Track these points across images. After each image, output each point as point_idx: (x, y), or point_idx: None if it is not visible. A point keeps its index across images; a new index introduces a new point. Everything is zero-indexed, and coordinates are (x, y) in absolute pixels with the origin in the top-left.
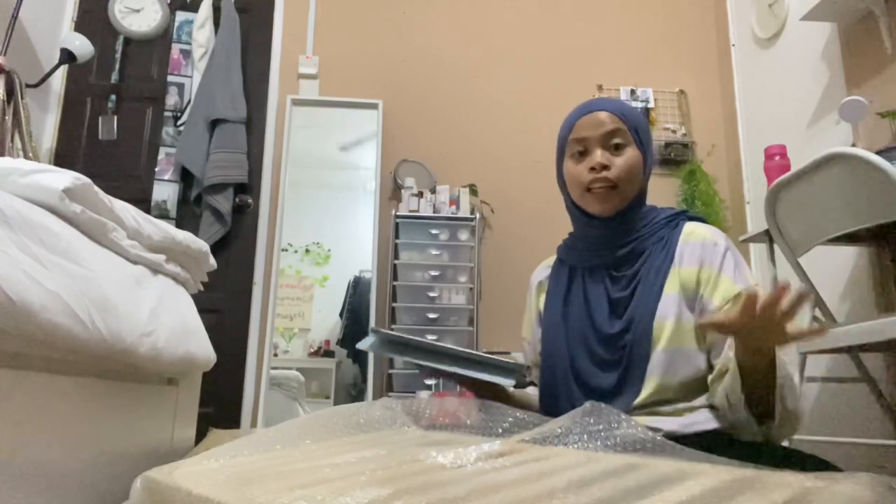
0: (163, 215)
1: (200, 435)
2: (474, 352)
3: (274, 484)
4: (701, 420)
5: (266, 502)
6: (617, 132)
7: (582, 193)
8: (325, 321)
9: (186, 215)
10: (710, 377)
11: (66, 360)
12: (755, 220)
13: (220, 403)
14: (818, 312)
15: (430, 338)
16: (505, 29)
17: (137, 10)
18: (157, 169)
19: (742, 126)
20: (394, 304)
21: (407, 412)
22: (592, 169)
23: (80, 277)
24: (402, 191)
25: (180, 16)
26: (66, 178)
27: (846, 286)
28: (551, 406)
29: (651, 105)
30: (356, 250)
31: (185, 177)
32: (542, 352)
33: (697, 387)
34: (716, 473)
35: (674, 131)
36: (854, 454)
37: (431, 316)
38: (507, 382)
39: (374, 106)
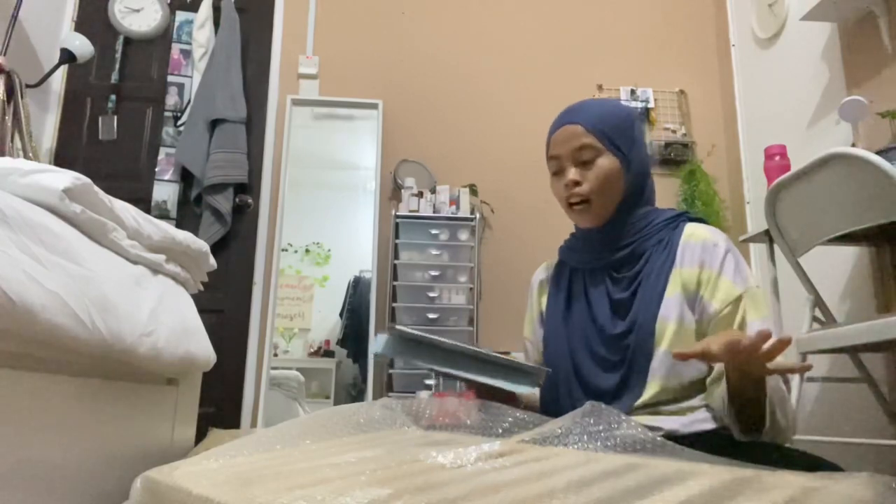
0: (163, 215)
1: (200, 435)
2: (494, 353)
3: (274, 484)
4: (701, 419)
5: (266, 502)
6: (585, 147)
7: (565, 209)
8: (325, 321)
9: (186, 215)
10: (708, 378)
11: (66, 360)
12: (755, 220)
13: (220, 403)
14: (818, 312)
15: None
16: (505, 29)
17: (137, 10)
18: (157, 169)
19: (742, 126)
20: (394, 304)
21: (407, 412)
22: (566, 186)
23: (80, 277)
24: (402, 191)
25: (180, 16)
26: (66, 178)
27: (846, 286)
28: (552, 406)
29: (651, 105)
30: (356, 250)
31: (185, 177)
32: (543, 352)
33: (699, 387)
34: (716, 473)
35: (674, 131)
36: (854, 454)
37: (431, 316)
38: (526, 389)
39: (374, 106)
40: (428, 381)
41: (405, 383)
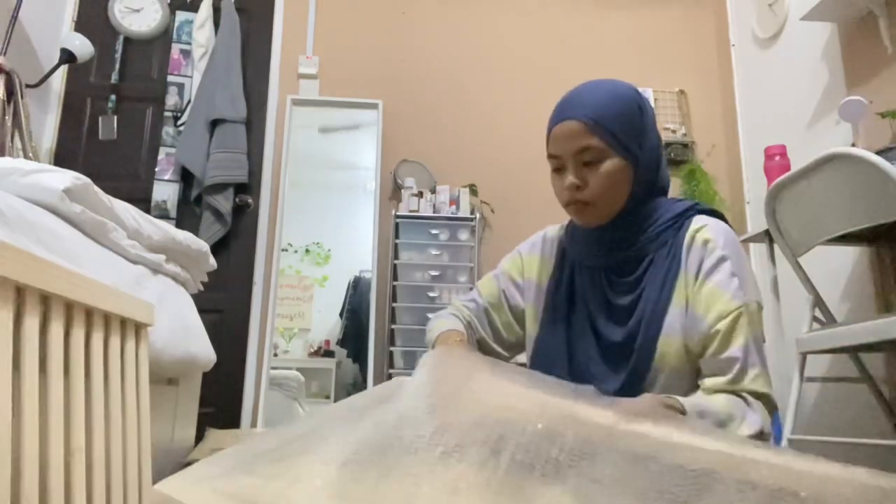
0: (163, 215)
1: (201, 435)
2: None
3: None
4: None
5: None
6: (587, 149)
7: (564, 208)
8: (325, 321)
9: (186, 215)
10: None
11: None
12: (755, 220)
13: (220, 403)
14: (818, 312)
15: None
16: (505, 29)
17: (137, 10)
18: (157, 169)
19: (742, 126)
20: (394, 304)
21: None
22: (567, 189)
23: None
24: (402, 191)
25: (180, 16)
26: (66, 178)
27: (846, 286)
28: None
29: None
30: (356, 250)
31: (185, 177)
32: (535, 346)
33: None
34: None
35: (674, 131)
36: (854, 454)
37: (431, 316)
38: None
39: (374, 106)
40: None
41: None
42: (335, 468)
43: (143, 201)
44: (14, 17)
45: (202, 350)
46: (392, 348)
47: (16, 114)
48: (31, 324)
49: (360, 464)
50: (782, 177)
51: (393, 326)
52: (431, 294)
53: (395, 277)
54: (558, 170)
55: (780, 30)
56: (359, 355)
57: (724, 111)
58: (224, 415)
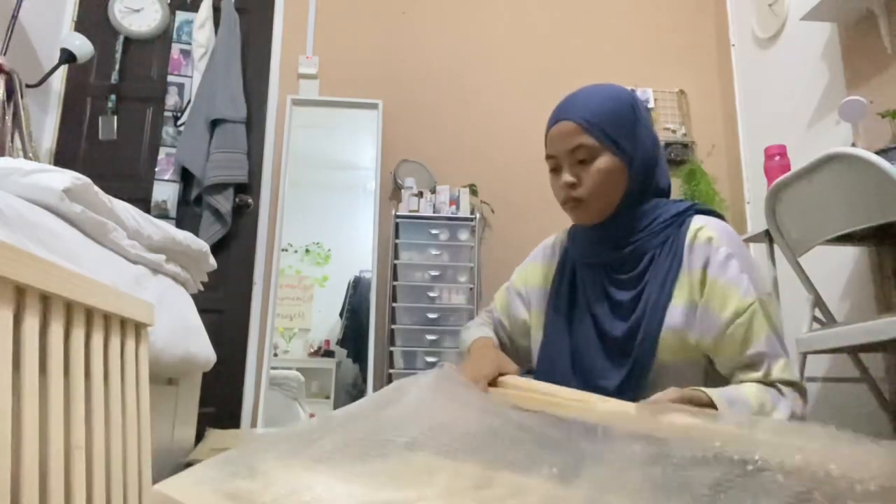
0: (163, 215)
1: (201, 435)
2: None
3: None
4: None
5: None
6: (581, 147)
7: (561, 206)
8: (325, 321)
9: (186, 215)
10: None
11: None
12: (755, 220)
13: (220, 403)
14: (818, 312)
15: (430, 338)
16: (505, 29)
17: (137, 10)
18: (157, 169)
19: (742, 126)
20: (394, 304)
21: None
22: (562, 187)
23: None
24: (402, 191)
25: (180, 16)
26: (66, 178)
27: (846, 286)
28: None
29: (651, 105)
30: (356, 250)
31: (185, 177)
32: (541, 345)
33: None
34: None
35: (674, 131)
36: None
37: (431, 316)
38: None
39: (374, 106)
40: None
41: None
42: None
43: (143, 201)
44: (14, 17)
45: (202, 350)
46: (392, 348)
47: (16, 114)
48: (31, 324)
49: (358, 464)
50: (782, 177)
51: (393, 326)
52: (431, 294)
53: (395, 277)
54: (555, 170)
55: (780, 30)
56: (359, 355)
57: (724, 111)
58: (224, 415)
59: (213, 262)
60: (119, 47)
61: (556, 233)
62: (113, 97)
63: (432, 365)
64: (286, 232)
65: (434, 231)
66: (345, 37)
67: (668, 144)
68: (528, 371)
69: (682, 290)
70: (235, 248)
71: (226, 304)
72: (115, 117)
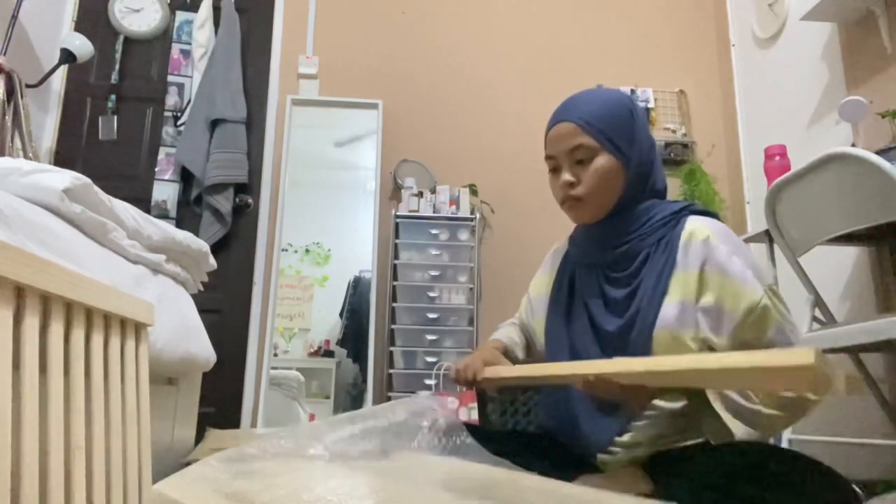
0: (163, 215)
1: (201, 435)
2: None
3: None
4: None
5: None
6: (579, 147)
7: (560, 206)
8: (325, 321)
9: (186, 215)
10: None
11: None
12: (755, 220)
13: (220, 403)
14: (818, 312)
15: (430, 338)
16: (505, 28)
17: (137, 10)
18: (157, 169)
19: (742, 126)
20: (394, 304)
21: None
22: (562, 186)
23: None
24: (402, 191)
25: (180, 16)
26: (66, 178)
27: (846, 286)
28: (552, 404)
29: (651, 105)
30: (356, 250)
31: (185, 177)
32: (545, 345)
33: (696, 391)
34: None
35: (674, 131)
36: (854, 454)
37: (431, 316)
38: None
39: (374, 106)
40: (428, 381)
41: (405, 383)
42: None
43: (143, 201)
44: (14, 17)
45: (202, 350)
46: (392, 348)
47: (16, 114)
48: (31, 324)
49: (359, 463)
50: (782, 177)
51: (393, 326)
52: (431, 294)
53: (395, 277)
54: (555, 170)
55: (780, 30)
56: (359, 355)
57: (724, 111)
58: (224, 415)
59: (213, 262)
60: (119, 47)
61: (556, 234)
62: (113, 97)
63: (432, 365)
64: (286, 232)
65: (434, 231)
66: (345, 37)
67: (668, 144)
68: None
69: (677, 288)
70: (235, 248)
71: (226, 304)
72: (115, 117)
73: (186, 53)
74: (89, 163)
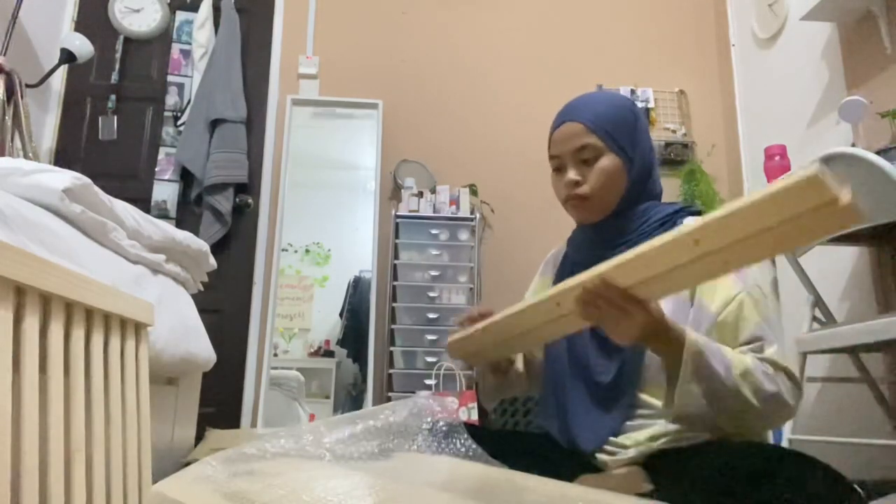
0: (163, 215)
1: (201, 435)
2: None
3: None
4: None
5: None
6: (585, 147)
7: (563, 205)
8: (325, 321)
9: (186, 215)
10: None
11: None
12: None
13: (220, 403)
14: (818, 312)
15: (430, 338)
16: (505, 28)
17: (137, 10)
18: (157, 169)
19: (742, 126)
20: (394, 304)
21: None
22: (566, 185)
23: None
24: (402, 191)
25: (180, 16)
26: (66, 178)
27: (846, 286)
28: (550, 402)
29: (651, 105)
30: (356, 250)
31: (185, 177)
32: (545, 348)
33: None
34: None
35: (674, 131)
36: (854, 454)
37: (431, 316)
38: None
39: (374, 106)
40: (428, 381)
41: (405, 383)
42: (333, 469)
43: (143, 201)
44: (14, 17)
45: (202, 350)
46: (392, 348)
47: (16, 114)
48: (31, 324)
49: (360, 463)
50: (782, 176)
51: (393, 326)
52: (431, 294)
53: (395, 277)
54: (558, 169)
55: (780, 30)
56: (359, 355)
57: (724, 111)
58: (224, 415)
59: (213, 262)
60: (119, 47)
61: (557, 234)
62: (113, 97)
63: (432, 365)
64: (286, 232)
65: (434, 231)
66: (345, 37)
67: (668, 144)
68: None
69: None
70: (235, 248)
71: (226, 304)
72: (115, 117)
73: (186, 53)
74: (89, 163)
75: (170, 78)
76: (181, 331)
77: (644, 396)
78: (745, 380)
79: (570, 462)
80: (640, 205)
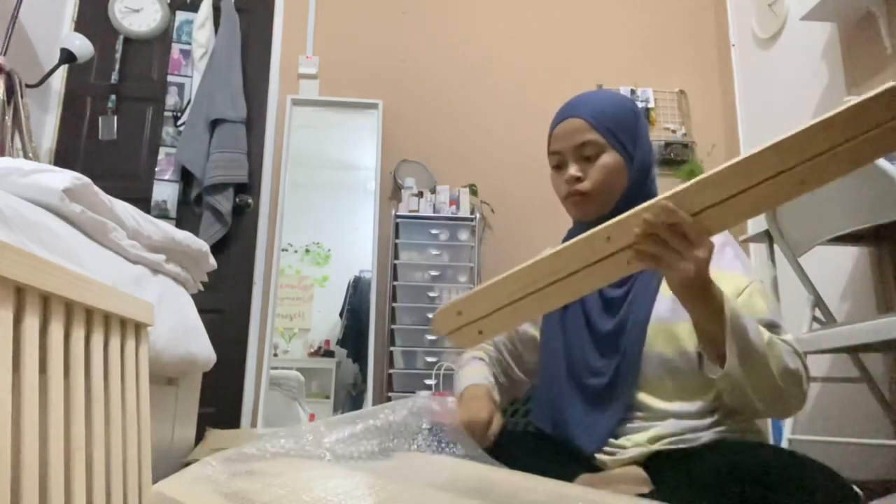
0: (163, 215)
1: (201, 435)
2: None
3: None
4: (692, 427)
5: None
6: (588, 144)
7: (563, 201)
8: (325, 321)
9: (186, 215)
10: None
11: None
12: (755, 220)
13: (220, 403)
14: (818, 312)
15: (430, 338)
16: (505, 29)
17: (137, 10)
18: (157, 169)
19: (742, 126)
20: (394, 304)
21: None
22: (567, 181)
23: None
24: (402, 191)
25: (180, 16)
26: (66, 178)
27: (846, 286)
28: (547, 405)
29: (651, 105)
30: (356, 250)
31: (185, 177)
32: (541, 348)
33: (692, 389)
34: None
35: (674, 131)
36: (854, 454)
37: (431, 316)
38: None
39: (374, 106)
40: (428, 381)
41: (405, 383)
42: (333, 469)
43: (143, 201)
44: (14, 17)
45: (202, 350)
46: (392, 348)
47: (16, 114)
48: (31, 324)
49: (359, 463)
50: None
51: (393, 326)
52: (431, 294)
53: (395, 277)
54: (558, 166)
55: (780, 30)
56: (359, 355)
57: (724, 111)
58: (224, 415)
59: (213, 262)
60: (119, 47)
61: (557, 234)
62: (113, 97)
63: (432, 365)
64: (286, 232)
65: (434, 231)
66: (345, 37)
67: (668, 144)
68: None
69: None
70: (235, 248)
71: (226, 304)
72: (115, 117)
73: (186, 53)
74: (89, 163)
75: (170, 78)
76: (181, 331)
77: (642, 397)
78: (771, 350)
79: (569, 462)
80: (639, 202)
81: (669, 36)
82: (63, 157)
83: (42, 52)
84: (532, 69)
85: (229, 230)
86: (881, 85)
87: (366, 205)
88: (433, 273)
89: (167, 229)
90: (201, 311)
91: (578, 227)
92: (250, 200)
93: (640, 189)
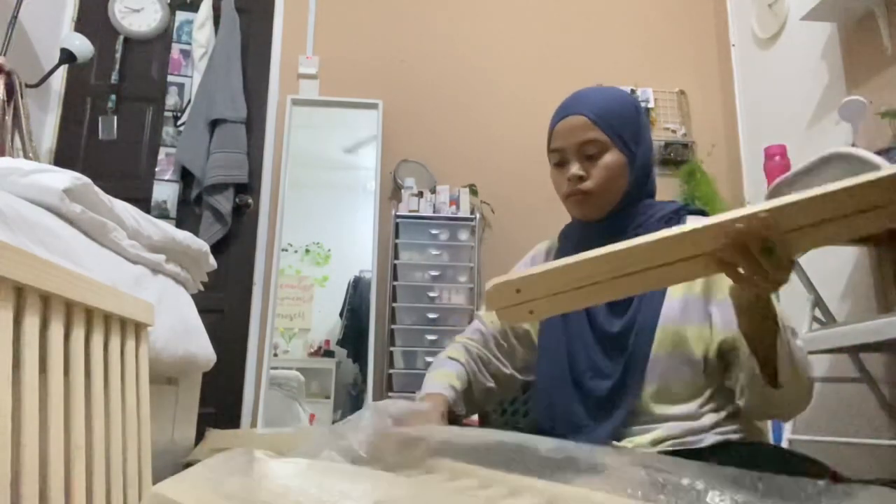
0: (163, 215)
1: (201, 435)
2: None
3: None
4: (698, 428)
5: None
6: (590, 142)
7: (563, 200)
8: (325, 321)
9: (186, 215)
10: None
11: None
12: None
13: (220, 403)
14: (818, 312)
15: (430, 338)
16: (505, 28)
17: (137, 10)
18: (157, 169)
19: (742, 126)
20: (394, 304)
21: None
22: (570, 180)
23: None
24: (402, 191)
25: (180, 16)
26: (66, 178)
27: (846, 286)
28: (546, 407)
29: (651, 105)
30: (356, 250)
31: (185, 177)
32: (539, 348)
33: (696, 391)
34: None
35: (674, 131)
36: (854, 454)
37: (431, 316)
38: None
39: (374, 106)
40: None
41: (405, 383)
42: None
43: (143, 201)
44: (14, 17)
45: (202, 350)
46: (392, 348)
47: (16, 114)
48: (31, 324)
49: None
50: (782, 176)
51: (393, 326)
52: (431, 294)
53: (395, 277)
54: (560, 164)
55: (780, 30)
56: (359, 355)
57: (724, 111)
58: (224, 415)
59: (213, 262)
60: (119, 47)
61: (557, 234)
62: (113, 97)
63: None
64: (286, 232)
65: (434, 231)
66: (345, 37)
67: (668, 144)
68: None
69: (679, 285)
70: (235, 248)
71: (226, 304)
72: (115, 117)
73: (186, 53)
74: (89, 163)
75: (170, 78)
76: (181, 331)
77: (646, 399)
78: (805, 362)
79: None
80: (640, 202)
81: (669, 36)
82: (63, 158)
83: (42, 52)
84: (532, 69)
85: (229, 230)
86: (888, 88)
87: (366, 205)
88: (433, 273)
89: (167, 229)
90: (201, 311)
91: (579, 225)
92: (250, 200)
93: (640, 188)
